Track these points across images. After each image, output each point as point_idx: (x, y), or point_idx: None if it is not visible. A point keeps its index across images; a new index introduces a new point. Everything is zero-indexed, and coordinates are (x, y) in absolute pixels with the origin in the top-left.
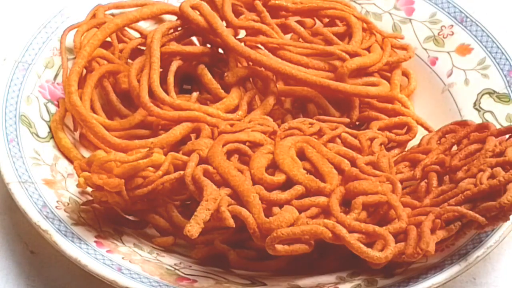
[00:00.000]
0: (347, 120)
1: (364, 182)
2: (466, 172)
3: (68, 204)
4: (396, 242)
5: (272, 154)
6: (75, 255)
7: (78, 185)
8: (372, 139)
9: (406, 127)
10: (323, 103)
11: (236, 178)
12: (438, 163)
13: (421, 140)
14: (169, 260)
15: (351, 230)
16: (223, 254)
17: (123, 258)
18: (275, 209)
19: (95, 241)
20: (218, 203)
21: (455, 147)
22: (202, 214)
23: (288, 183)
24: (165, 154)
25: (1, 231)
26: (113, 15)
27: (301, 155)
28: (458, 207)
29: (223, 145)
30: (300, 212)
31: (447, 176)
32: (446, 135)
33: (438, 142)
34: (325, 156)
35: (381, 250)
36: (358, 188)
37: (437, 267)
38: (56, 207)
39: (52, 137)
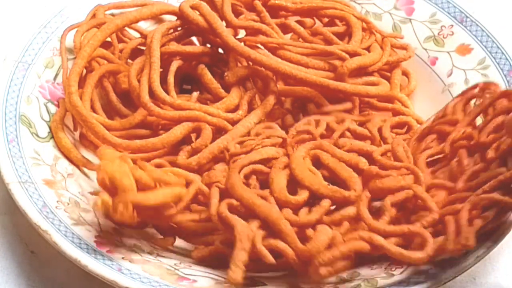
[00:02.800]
0: (349, 105)
1: (386, 180)
2: (496, 151)
3: (68, 204)
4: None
5: (288, 167)
6: (75, 255)
7: (93, 205)
8: (380, 127)
9: (406, 126)
10: (323, 103)
11: (262, 207)
12: (466, 137)
13: (445, 108)
14: (169, 260)
15: (387, 235)
16: (224, 255)
17: (123, 258)
18: (309, 231)
19: (95, 241)
20: (253, 240)
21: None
22: (240, 255)
23: (312, 196)
24: (166, 154)
25: (1, 231)
26: (113, 15)
27: (316, 161)
28: (493, 195)
29: (239, 172)
30: (331, 225)
31: (478, 153)
32: (470, 102)
33: (463, 110)
34: (341, 159)
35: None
36: (381, 187)
37: (437, 267)
38: (56, 207)
39: (52, 137)
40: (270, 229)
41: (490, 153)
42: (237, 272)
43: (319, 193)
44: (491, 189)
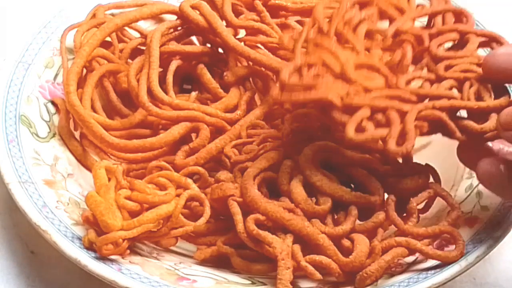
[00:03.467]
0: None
1: (406, 181)
2: (447, 69)
3: (68, 204)
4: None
5: (300, 173)
6: (75, 255)
7: (83, 241)
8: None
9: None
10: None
11: (293, 222)
12: (415, 36)
13: None
14: (169, 260)
15: (420, 237)
16: (226, 256)
17: (123, 258)
18: (345, 242)
19: None
20: (296, 258)
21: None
22: (285, 275)
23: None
24: (164, 154)
25: (1, 231)
26: (113, 15)
27: (324, 162)
28: (443, 115)
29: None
30: (363, 232)
31: (427, 56)
32: None
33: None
34: (352, 161)
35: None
36: (403, 187)
37: (437, 267)
38: (56, 207)
39: (53, 137)
40: (304, 243)
41: (441, 71)
42: None
43: (343, 200)
44: (440, 108)
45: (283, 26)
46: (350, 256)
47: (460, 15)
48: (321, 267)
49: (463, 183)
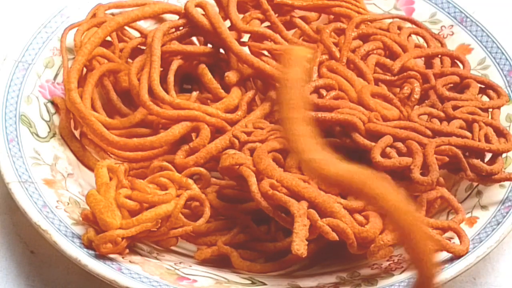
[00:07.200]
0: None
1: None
2: (454, 109)
3: (68, 204)
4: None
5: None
6: (75, 255)
7: (83, 239)
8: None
9: None
10: None
11: (309, 189)
12: (421, 74)
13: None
14: (169, 260)
15: (429, 227)
16: (226, 256)
17: (123, 258)
18: (358, 216)
19: None
20: (312, 217)
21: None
22: (302, 231)
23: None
24: (165, 153)
25: (1, 231)
26: (113, 14)
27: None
28: (458, 151)
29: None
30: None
31: (432, 94)
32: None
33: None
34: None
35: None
36: (413, 188)
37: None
38: (56, 207)
39: (53, 136)
40: (318, 212)
41: (449, 110)
42: (302, 245)
43: None
44: (455, 145)
45: (288, 23)
46: (366, 226)
47: (456, 59)
48: (337, 231)
49: (463, 183)
